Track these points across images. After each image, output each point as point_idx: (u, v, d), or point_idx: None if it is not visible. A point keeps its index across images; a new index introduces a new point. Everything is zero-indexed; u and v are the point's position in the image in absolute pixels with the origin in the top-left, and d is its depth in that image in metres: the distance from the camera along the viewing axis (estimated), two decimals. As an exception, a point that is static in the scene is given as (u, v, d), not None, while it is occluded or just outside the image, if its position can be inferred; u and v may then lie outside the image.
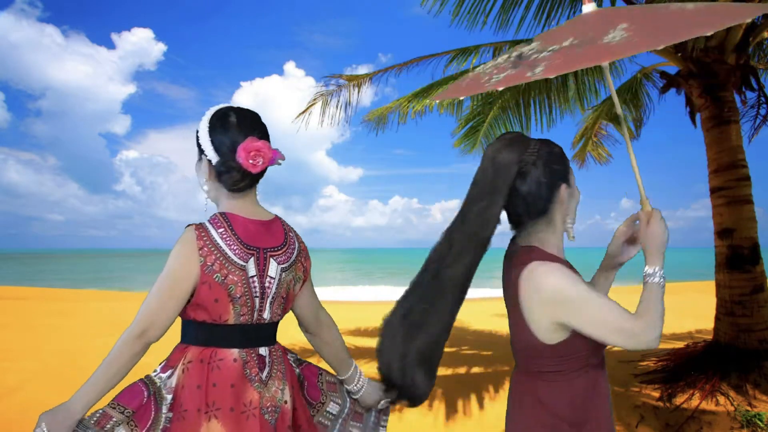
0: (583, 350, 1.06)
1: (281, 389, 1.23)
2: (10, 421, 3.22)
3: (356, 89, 5.08)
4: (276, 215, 1.32)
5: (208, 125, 1.22)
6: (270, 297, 1.23)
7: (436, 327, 1.04)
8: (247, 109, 1.27)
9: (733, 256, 3.78)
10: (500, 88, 1.13)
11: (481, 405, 3.65)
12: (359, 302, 14.00)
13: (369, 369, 4.63)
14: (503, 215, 1.08)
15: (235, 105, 1.28)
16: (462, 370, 4.65)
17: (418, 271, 1.09)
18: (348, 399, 1.45)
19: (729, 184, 3.82)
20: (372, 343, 6.07)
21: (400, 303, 1.08)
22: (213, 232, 1.17)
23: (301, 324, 1.42)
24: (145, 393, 1.14)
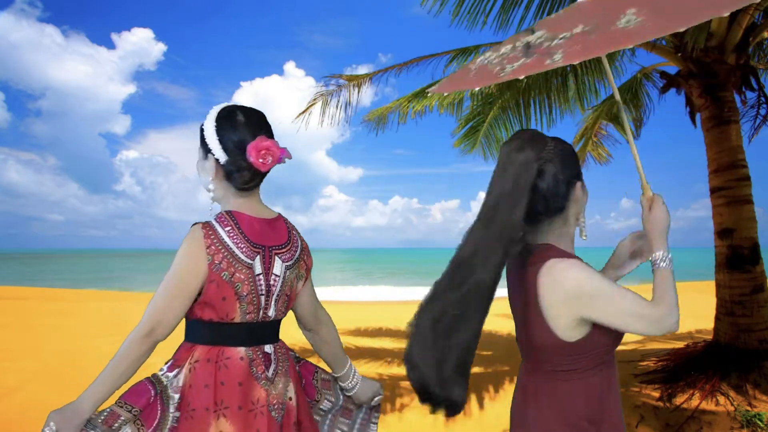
0: (601, 347, 1.06)
1: (286, 386, 1.24)
2: (10, 421, 3.22)
3: (356, 89, 5.08)
4: (279, 213, 1.32)
5: (215, 124, 1.21)
6: (275, 295, 1.24)
7: (467, 333, 1.00)
8: (253, 108, 1.27)
9: (733, 256, 3.78)
10: (521, 77, 1.10)
11: (481, 405, 3.65)
12: (359, 302, 14.02)
13: (369, 369, 4.64)
14: None
15: (238, 104, 1.26)
16: (462, 370, 4.64)
17: (443, 275, 1.05)
18: (341, 396, 1.45)
19: (729, 184, 3.82)
20: (372, 343, 6.07)
21: (427, 308, 1.04)
22: (220, 230, 1.17)
23: (299, 321, 1.43)
24: (152, 391, 1.15)
